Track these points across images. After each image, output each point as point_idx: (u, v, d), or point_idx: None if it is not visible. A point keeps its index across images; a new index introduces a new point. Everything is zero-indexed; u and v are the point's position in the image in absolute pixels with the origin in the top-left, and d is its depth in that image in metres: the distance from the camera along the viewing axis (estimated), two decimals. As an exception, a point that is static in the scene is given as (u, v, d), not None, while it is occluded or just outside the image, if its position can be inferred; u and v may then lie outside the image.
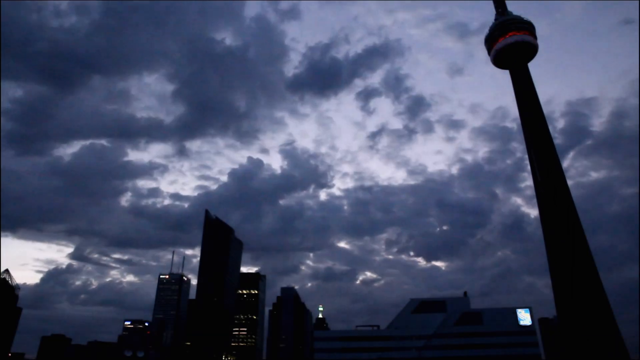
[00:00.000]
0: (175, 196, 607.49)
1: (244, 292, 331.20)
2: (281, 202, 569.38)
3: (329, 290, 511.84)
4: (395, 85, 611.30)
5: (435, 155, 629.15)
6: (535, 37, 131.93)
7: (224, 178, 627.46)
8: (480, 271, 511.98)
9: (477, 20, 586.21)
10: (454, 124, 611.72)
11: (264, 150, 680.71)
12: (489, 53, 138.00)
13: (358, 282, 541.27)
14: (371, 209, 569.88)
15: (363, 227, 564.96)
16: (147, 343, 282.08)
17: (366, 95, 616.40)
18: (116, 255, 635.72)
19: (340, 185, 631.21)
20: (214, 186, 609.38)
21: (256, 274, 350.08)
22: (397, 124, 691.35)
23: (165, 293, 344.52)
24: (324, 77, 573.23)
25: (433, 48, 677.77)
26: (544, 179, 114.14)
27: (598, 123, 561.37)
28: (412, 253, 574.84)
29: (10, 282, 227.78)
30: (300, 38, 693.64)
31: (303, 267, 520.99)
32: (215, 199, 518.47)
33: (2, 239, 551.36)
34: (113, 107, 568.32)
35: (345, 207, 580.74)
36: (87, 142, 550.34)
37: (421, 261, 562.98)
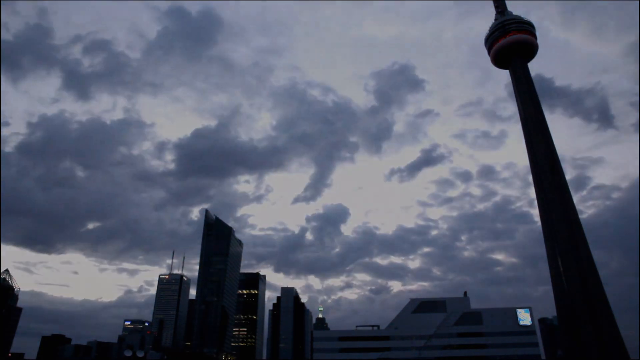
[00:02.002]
0: (261, 229, 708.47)
1: (244, 292, 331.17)
2: (341, 235, 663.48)
3: (372, 300, 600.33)
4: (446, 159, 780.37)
5: (471, 197, 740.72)
6: (535, 37, 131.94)
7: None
8: (501, 283, 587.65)
9: (508, 110, 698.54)
10: (489, 177, 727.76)
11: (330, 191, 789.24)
12: (489, 53, 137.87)
13: (395, 293, 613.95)
14: (409, 233, 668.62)
15: (402, 247, 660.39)
16: (147, 343, 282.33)
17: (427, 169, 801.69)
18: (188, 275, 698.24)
19: (387, 218, 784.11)
20: (292, 228, 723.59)
21: (256, 274, 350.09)
22: (447, 179, 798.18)
23: (165, 293, 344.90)
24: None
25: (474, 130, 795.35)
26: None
27: (598, 174, 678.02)
28: (443, 267, 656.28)
29: (10, 282, 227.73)
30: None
31: (351, 281, 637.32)
32: (293, 235, 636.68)
33: (97, 266, 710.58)
34: (246, 189, 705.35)
35: (390, 234, 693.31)
36: (209, 205, 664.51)
37: (450, 274, 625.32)
